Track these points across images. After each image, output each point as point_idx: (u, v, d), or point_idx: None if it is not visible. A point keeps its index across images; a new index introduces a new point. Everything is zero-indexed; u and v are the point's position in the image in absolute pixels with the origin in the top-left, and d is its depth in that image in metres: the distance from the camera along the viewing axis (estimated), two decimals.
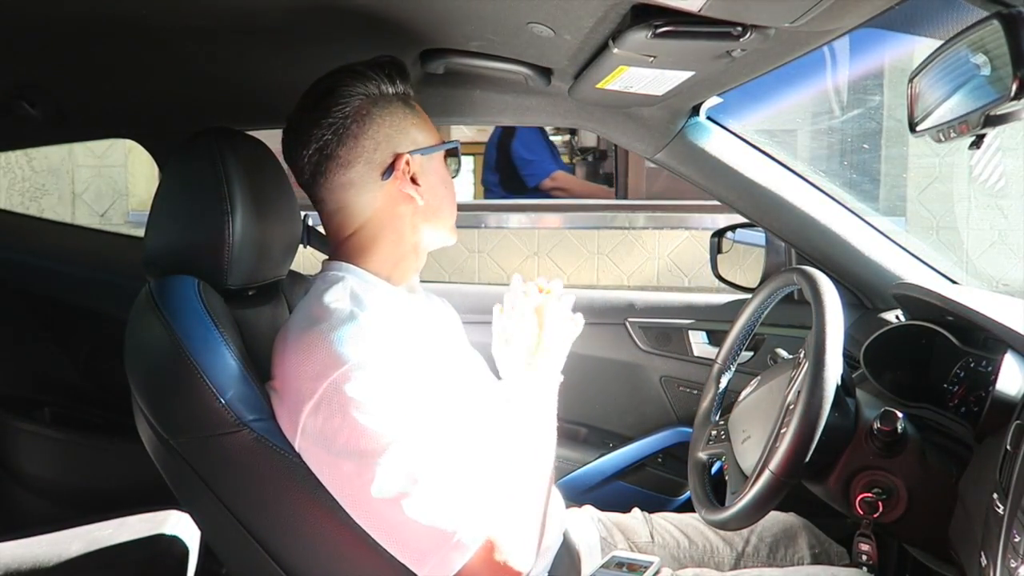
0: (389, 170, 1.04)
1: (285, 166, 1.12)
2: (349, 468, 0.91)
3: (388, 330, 0.98)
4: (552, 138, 3.70)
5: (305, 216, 1.40)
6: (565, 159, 4.23)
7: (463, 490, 0.93)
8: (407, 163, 1.05)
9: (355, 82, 1.03)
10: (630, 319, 1.80)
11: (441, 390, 1.00)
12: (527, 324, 1.09)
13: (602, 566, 1.21)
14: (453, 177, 1.14)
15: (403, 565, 0.93)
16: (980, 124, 0.75)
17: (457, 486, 0.92)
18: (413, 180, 1.06)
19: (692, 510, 1.25)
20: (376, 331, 0.96)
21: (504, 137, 3.49)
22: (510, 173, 3.51)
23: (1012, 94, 0.68)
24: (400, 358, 0.96)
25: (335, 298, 1.00)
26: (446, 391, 1.02)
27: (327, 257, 1.11)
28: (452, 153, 1.13)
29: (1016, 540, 0.79)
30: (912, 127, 0.88)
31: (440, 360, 1.07)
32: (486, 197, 3.63)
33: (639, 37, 0.95)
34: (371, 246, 1.07)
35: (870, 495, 1.03)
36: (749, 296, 1.33)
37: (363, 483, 0.90)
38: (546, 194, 3.52)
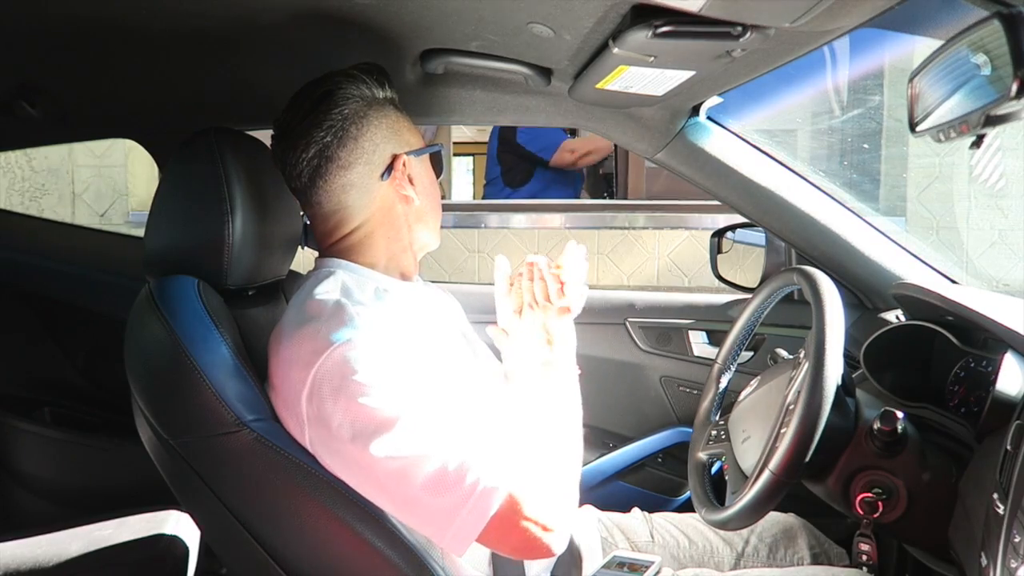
0: (387, 171, 1.05)
1: None
2: (352, 449, 0.91)
3: (378, 316, 0.98)
4: None
5: (304, 216, 1.40)
6: None
7: (475, 448, 0.92)
8: (404, 164, 1.06)
9: (350, 85, 1.04)
10: (630, 319, 1.80)
11: (439, 369, 1.00)
12: (529, 323, 1.10)
13: (603, 566, 1.21)
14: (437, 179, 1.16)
15: (404, 564, 0.93)
16: (980, 124, 0.75)
17: (468, 446, 0.92)
18: (409, 180, 1.07)
19: (692, 510, 1.25)
20: (365, 317, 0.96)
21: (505, 127, 3.46)
22: (512, 163, 3.47)
23: (1012, 94, 0.68)
24: (391, 339, 0.96)
25: (324, 291, 1.00)
26: (444, 370, 1.01)
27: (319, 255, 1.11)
28: (435, 157, 1.15)
29: (1016, 540, 0.79)
30: (912, 127, 0.88)
31: (437, 344, 1.07)
32: (488, 189, 3.61)
33: (639, 37, 0.95)
34: (366, 245, 1.08)
35: (870, 495, 1.03)
36: (749, 296, 1.33)
37: (370, 462, 0.90)
38: (545, 192, 3.49)
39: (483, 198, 3.68)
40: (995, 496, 0.86)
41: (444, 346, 1.09)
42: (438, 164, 1.16)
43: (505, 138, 3.47)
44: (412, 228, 1.10)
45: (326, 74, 1.06)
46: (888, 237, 1.54)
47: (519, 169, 3.47)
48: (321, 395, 0.92)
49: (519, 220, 3.36)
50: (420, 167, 1.11)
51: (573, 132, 3.90)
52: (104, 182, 3.71)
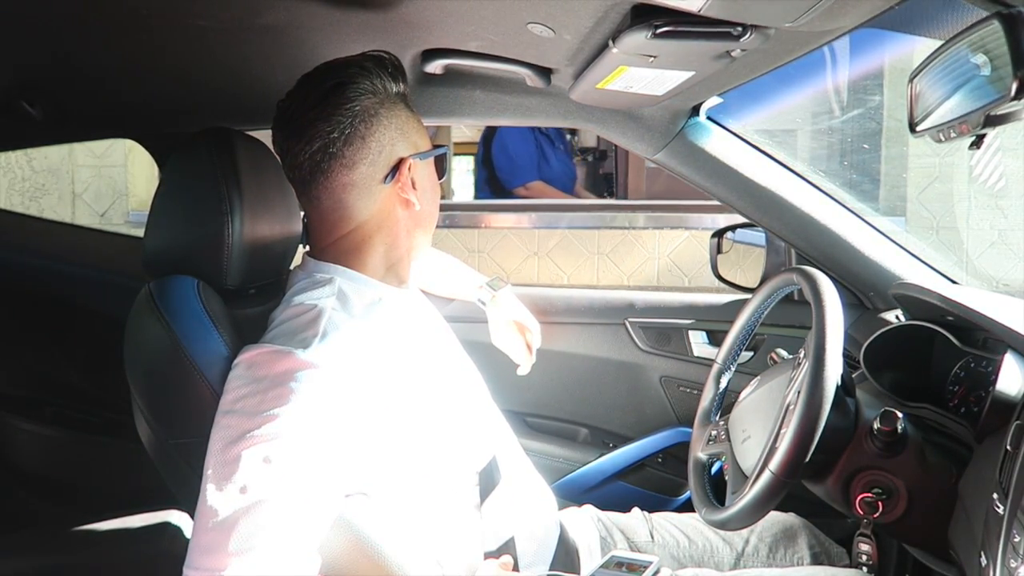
0: (391, 174, 1.03)
1: None
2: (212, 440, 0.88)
3: (353, 341, 0.94)
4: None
5: (304, 215, 1.40)
6: None
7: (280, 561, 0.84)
8: (409, 167, 1.03)
9: (363, 79, 1.00)
10: (630, 319, 1.80)
11: (396, 403, 0.96)
12: None
13: (601, 566, 1.21)
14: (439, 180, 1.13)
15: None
16: (980, 124, 0.75)
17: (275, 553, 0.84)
18: (412, 185, 1.04)
19: (692, 510, 1.25)
20: (331, 348, 0.91)
21: (489, 131, 3.44)
22: (491, 174, 3.49)
23: (1012, 94, 0.68)
24: (342, 384, 0.91)
25: (314, 298, 0.99)
26: (404, 401, 0.98)
27: (307, 251, 1.09)
28: (440, 158, 1.12)
29: (1016, 540, 0.79)
30: (912, 127, 0.88)
31: (413, 363, 1.03)
32: (477, 193, 3.63)
33: (639, 37, 0.95)
34: (365, 251, 1.05)
35: (870, 495, 1.03)
36: (749, 296, 1.33)
37: (206, 464, 0.87)
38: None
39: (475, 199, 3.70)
40: (995, 496, 0.86)
41: (420, 365, 1.05)
42: (441, 166, 1.13)
43: (487, 145, 3.46)
44: (411, 234, 1.07)
45: (340, 62, 1.02)
46: (888, 237, 1.54)
47: (496, 181, 3.49)
48: (235, 396, 0.89)
49: (519, 220, 3.36)
50: (424, 170, 1.07)
51: (573, 132, 3.91)
52: (104, 182, 3.71)
